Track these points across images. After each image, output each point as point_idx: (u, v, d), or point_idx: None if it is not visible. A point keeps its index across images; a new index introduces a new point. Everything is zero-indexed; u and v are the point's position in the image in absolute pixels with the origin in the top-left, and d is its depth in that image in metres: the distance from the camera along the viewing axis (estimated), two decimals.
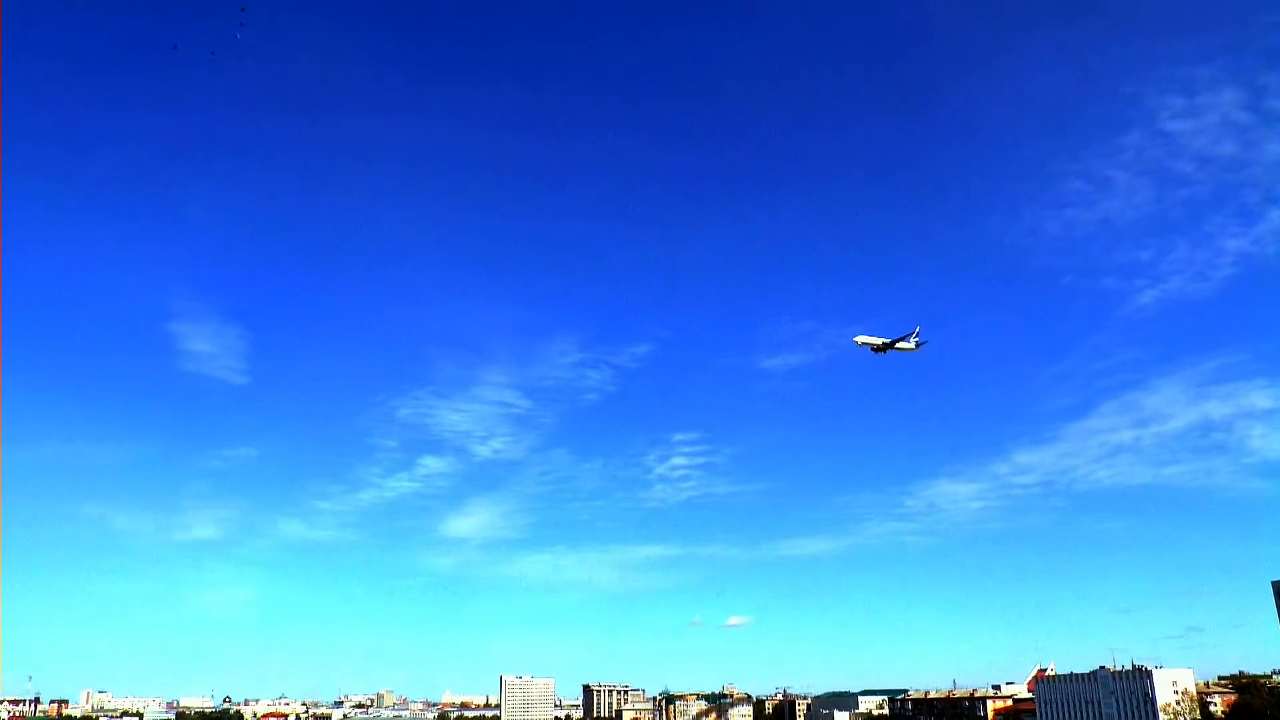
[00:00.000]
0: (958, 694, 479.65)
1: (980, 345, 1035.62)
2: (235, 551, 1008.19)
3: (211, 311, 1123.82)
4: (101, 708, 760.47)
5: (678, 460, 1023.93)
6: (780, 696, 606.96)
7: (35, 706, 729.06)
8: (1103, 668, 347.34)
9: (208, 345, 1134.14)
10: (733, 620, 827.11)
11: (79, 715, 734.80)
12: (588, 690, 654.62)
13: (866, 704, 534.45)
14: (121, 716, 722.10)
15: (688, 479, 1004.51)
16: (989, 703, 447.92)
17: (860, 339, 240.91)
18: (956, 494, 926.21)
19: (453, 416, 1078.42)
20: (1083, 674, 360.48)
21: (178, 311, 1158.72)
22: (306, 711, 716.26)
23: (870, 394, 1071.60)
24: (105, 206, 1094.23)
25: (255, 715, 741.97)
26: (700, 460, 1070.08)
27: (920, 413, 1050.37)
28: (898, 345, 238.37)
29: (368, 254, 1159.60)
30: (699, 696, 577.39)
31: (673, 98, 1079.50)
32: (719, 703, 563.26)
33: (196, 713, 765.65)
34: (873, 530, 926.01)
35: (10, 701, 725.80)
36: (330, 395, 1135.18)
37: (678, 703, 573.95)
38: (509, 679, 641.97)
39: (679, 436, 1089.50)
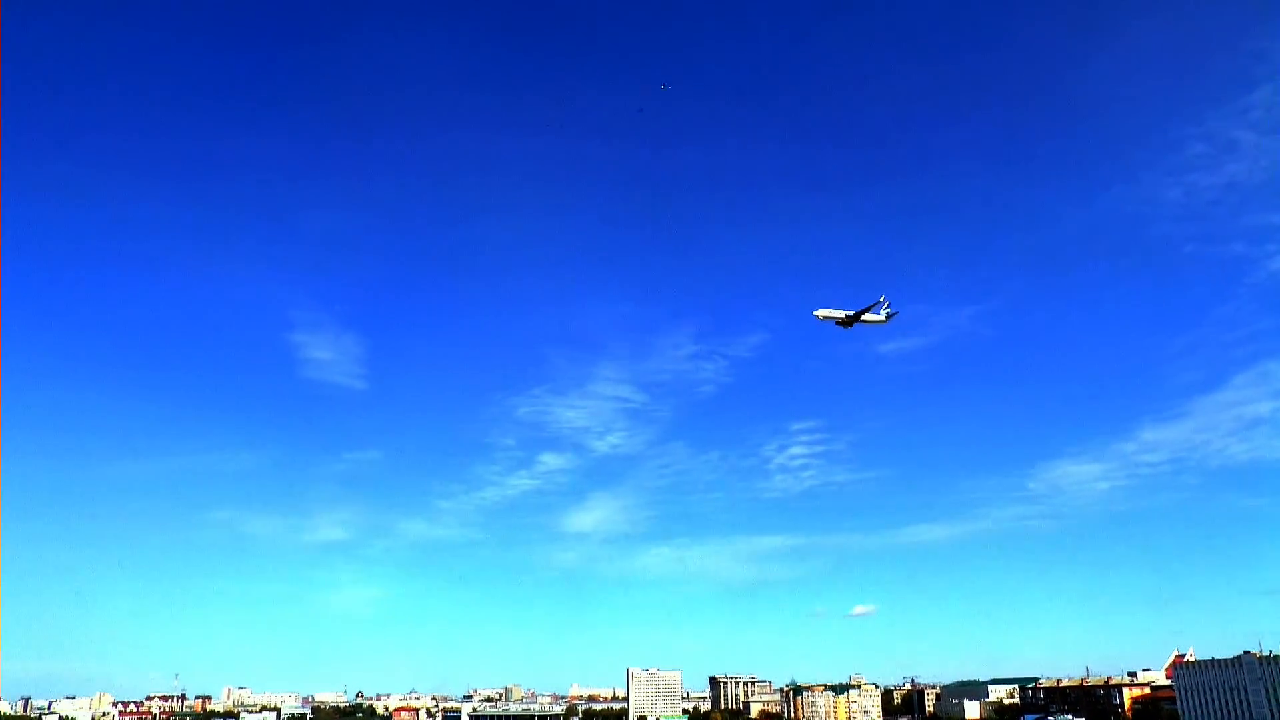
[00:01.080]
0: (1091, 682, 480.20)
1: (1100, 320, 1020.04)
2: (361, 552, 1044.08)
3: (330, 320, 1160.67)
4: (242, 703, 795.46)
5: (796, 449, 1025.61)
6: (908, 686, 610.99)
7: (182, 702, 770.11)
8: (1247, 653, 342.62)
9: (327, 353, 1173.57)
10: (857, 609, 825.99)
11: (221, 710, 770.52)
12: (714, 682, 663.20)
13: (997, 693, 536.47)
14: (260, 711, 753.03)
15: (807, 468, 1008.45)
16: (1125, 690, 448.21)
17: (821, 313, 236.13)
18: (1081, 475, 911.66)
19: (570, 413, 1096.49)
20: (1226, 660, 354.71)
21: (297, 322, 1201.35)
22: (436, 705, 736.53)
23: (988, 375, 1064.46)
24: (225, 223, 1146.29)
25: (387, 709, 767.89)
26: (819, 449, 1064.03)
27: (1040, 392, 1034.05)
28: (864, 318, 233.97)
29: (480, 258, 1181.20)
30: (826, 687, 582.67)
31: (778, 95, 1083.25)
32: (846, 693, 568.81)
33: (331, 707, 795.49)
34: (996, 515, 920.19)
35: (160, 697, 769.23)
36: (448, 397, 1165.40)
37: (805, 694, 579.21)
38: (635, 672, 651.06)
39: (796, 425, 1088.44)
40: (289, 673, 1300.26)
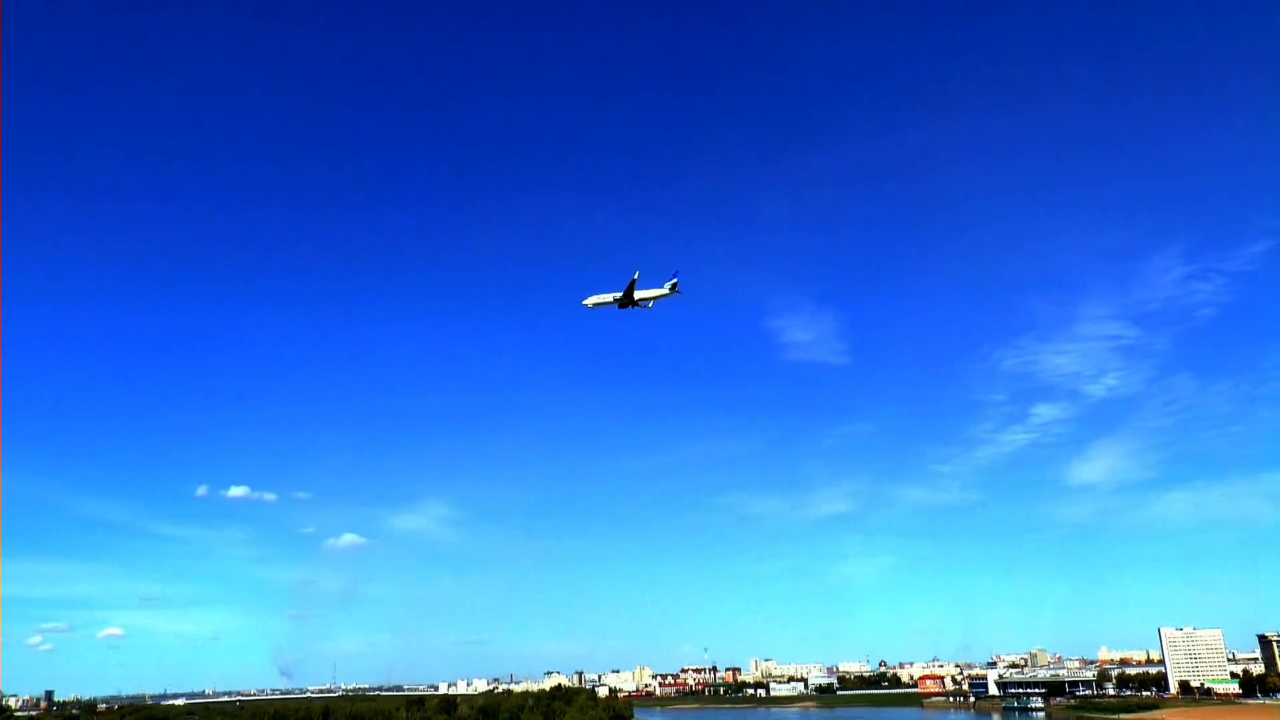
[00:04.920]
0: None
1: None
2: (865, 523, 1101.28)
3: (804, 302, 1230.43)
4: (769, 674, 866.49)
5: None
6: None
7: (714, 674, 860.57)
8: None
9: (806, 334, 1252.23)
10: None
11: (751, 681, 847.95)
12: (1265, 641, 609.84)
13: None
14: (788, 681, 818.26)
15: None
16: None
17: (590, 301, 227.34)
18: None
19: (1058, 359, 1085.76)
20: None
21: (773, 308, 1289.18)
22: (960, 673, 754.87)
23: None
24: (692, 226, 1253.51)
25: (911, 677, 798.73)
26: None
27: None
28: (642, 296, 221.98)
29: (939, 208, 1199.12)
30: None
31: None
32: None
33: (856, 676, 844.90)
34: None
35: (693, 670, 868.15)
36: (929, 359, 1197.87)
37: None
38: (1169, 632, 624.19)
39: None
40: (811, 644, 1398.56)
